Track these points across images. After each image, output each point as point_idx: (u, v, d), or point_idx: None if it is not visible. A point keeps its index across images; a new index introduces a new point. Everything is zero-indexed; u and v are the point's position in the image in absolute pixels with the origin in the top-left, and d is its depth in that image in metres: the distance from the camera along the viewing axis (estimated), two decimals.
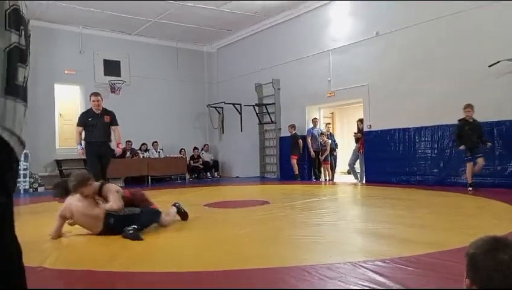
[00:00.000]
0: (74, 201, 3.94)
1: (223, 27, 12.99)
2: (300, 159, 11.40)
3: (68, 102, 13.08)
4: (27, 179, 10.10)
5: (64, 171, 11.88)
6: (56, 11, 11.01)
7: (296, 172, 11.22)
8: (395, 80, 9.30)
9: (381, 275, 2.53)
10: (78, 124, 6.74)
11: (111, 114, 6.79)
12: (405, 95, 9.09)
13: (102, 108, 6.77)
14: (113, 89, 12.86)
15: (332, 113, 14.44)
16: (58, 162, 11.94)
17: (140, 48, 13.49)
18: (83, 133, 6.74)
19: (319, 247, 3.48)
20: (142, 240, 3.72)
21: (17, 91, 1.33)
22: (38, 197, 8.83)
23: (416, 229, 4.08)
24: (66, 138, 13.03)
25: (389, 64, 9.43)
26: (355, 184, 9.77)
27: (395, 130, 9.32)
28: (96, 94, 6.86)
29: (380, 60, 9.64)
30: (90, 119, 6.60)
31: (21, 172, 9.93)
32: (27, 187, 10.07)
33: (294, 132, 11.35)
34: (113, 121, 6.76)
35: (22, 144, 1.36)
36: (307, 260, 3.01)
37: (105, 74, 12.81)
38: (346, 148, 12.32)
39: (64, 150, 12.51)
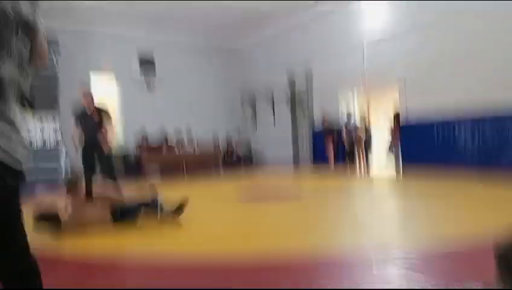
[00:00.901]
0: None
1: (257, 21, 12.97)
2: (335, 152, 11.30)
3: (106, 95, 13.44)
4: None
5: None
6: (91, 3, 11.27)
7: (331, 164, 11.15)
8: (430, 72, 9.04)
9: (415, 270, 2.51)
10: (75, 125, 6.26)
11: (102, 111, 6.22)
12: (441, 87, 8.83)
13: (95, 107, 6.20)
14: (148, 85, 13.17)
15: (368, 103, 14.12)
16: None
17: (173, 45, 13.71)
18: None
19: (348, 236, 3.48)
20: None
21: None
22: None
23: (449, 222, 3.98)
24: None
25: (424, 55, 9.18)
26: (389, 177, 9.61)
27: (432, 118, 9.08)
28: (85, 90, 6.38)
29: (414, 51, 9.39)
30: (81, 118, 6.18)
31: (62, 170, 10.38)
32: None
33: (327, 125, 11.25)
34: (105, 119, 6.22)
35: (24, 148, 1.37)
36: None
37: (140, 71, 13.13)
38: (383, 138, 12.05)
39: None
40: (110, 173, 6.08)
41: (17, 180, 1.37)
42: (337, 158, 11.32)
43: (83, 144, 6.16)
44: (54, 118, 10.81)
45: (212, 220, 4.72)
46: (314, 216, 4.99)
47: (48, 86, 10.62)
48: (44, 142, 10.54)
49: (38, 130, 10.55)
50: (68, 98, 11.29)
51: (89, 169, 5.94)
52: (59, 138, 10.75)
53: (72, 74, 11.66)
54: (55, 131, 10.78)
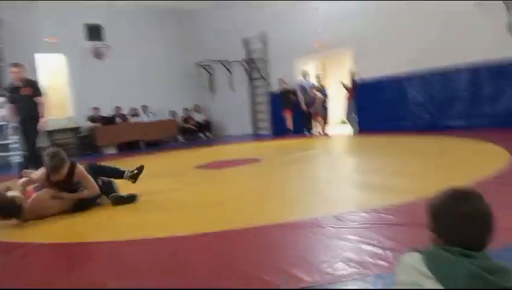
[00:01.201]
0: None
1: None
2: (292, 114, 11.36)
3: (53, 72, 12.77)
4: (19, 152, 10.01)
5: (55, 142, 11.82)
6: None
7: (290, 126, 11.22)
8: (384, 28, 9.12)
9: (364, 227, 2.57)
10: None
11: (33, 85, 6.12)
12: (394, 42, 8.96)
13: (24, 79, 6.08)
14: (97, 55, 12.55)
15: (323, 63, 14.21)
16: (49, 133, 11.82)
17: (123, 10, 13.02)
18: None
19: (306, 201, 3.52)
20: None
21: None
22: None
23: (403, 177, 4.11)
24: (55, 108, 12.87)
25: (376, 12, 9.21)
26: (347, 135, 9.81)
27: (384, 77, 9.24)
28: (15, 65, 6.15)
29: (367, 8, 9.39)
30: (11, 93, 6.07)
31: (10, 146, 9.86)
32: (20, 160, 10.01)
33: (284, 86, 11.25)
34: (36, 92, 6.08)
35: None
36: (294, 215, 3.05)
37: (88, 39, 12.44)
38: (338, 98, 12.22)
39: (53, 120, 12.34)
40: (32, 152, 5.98)
41: None
42: (295, 120, 11.38)
43: (19, 118, 6.12)
44: None
45: (167, 191, 4.62)
46: (269, 179, 5.00)
47: None
48: None
49: None
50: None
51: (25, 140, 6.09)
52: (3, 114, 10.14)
53: (18, 51, 10.89)
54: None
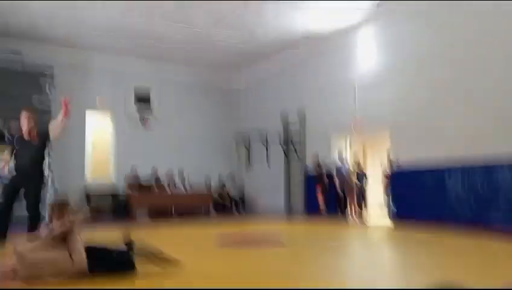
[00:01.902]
0: None
1: (250, 60, 13.17)
2: (327, 196, 11.09)
3: (101, 133, 13.39)
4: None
5: (93, 203, 12.08)
6: (90, 39, 11.46)
7: (322, 208, 10.94)
8: (422, 112, 8.99)
9: None
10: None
11: (42, 132, 5.47)
12: (432, 128, 8.74)
13: (34, 126, 5.43)
14: (143, 122, 13.16)
15: (363, 145, 14.03)
16: (88, 195, 12.14)
17: (170, 83, 13.86)
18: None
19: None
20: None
21: None
22: None
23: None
24: (97, 169, 13.31)
25: (415, 96, 9.18)
26: (383, 223, 9.33)
27: (423, 164, 8.90)
28: (27, 109, 5.58)
29: (406, 92, 9.38)
30: (16, 141, 5.46)
31: (47, 201, 10.13)
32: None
33: (318, 167, 11.14)
34: (44, 141, 5.47)
35: None
36: None
37: (136, 106, 13.13)
38: (376, 183, 11.84)
39: (95, 181, 12.69)
40: (33, 214, 5.21)
41: None
42: (329, 204, 11.07)
43: (14, 172, 5.44)
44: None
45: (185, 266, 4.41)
46: (293, 263, 4.72)
47: (40, 120, 10.55)
48: None
49: None
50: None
51: (7, 204, 5.22)
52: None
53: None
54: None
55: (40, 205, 5.38)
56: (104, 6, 9.40)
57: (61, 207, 3.55)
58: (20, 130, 5.43)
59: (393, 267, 4.75)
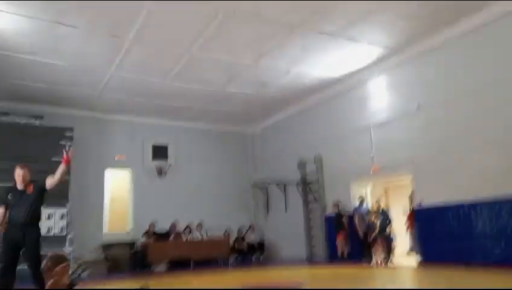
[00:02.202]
0: None
1: (265, 108, 13.30)
2: (349, 240, 10.74)
3: (120, 187, 13.55)
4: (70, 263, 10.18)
5: (110, 254, 11.98)
6: (108, 101, 11.87)
7: (340, 253, 10.61)
8: (442, 152, 8.75)
9: None
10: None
11: (36, 184, 5.37)
12: (454, 168, 8.46)
13: (31, 181, 5.38)
14: (159, 172, 13.25)
15: (386, 189, 13.70)
16: (105, 247, 12.07)
17: (187, 132, 14.05)
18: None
19: None
20: None
21: None
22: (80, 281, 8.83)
23: None
24: (116, 222, 13.34)
25: (434, 136, 8.94)
26: (410, 267, 8.89)
27: (448, 206, 8.54)
28: (21, 166, 5.42)
29: (423, 132, 9.18)
30: (12, 196, 5.29)
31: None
32: (70, 272, 10.13)
33: (338, 211, 10.88)
34: (40, 193, 5.37)
35: None
36: None
37: (153, 158, 13.30)
38: (403, 226, 11.41)
39: (112, 234, 12.70)
40: (35, 272, 4.98)
41: None
42: (350, 246, 10.70)
43: (7, 228, 5.17)
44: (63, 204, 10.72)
45: None
46: None
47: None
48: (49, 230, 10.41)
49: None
50: (79, 189, 11.46)
51: (9, 263, 4.99)
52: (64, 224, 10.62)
53: (88, 166, 11.94)
54: (63, 217, 10.67)
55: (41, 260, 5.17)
56: (119, 68, 9.74)
57: (54, 261, 3.41)
58: (15, 183, 5.34)
59: None
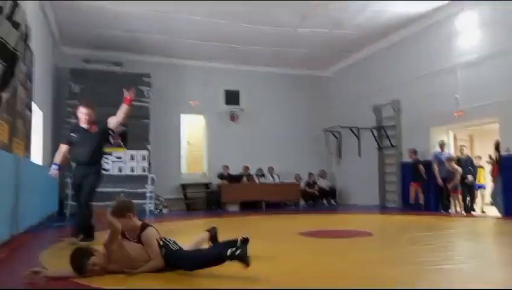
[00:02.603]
0: None
1: (339, 50, 12.68)
2: (426, 188, 10.26)
3: (195, 130, 14.10)
4: (152, 201, 10.99)
5: (188, 194, 12.74)
6: (182, 47, 12.07)
7: (412, 201, 10.31)
8: None
9: None
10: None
11: (100, 125, 5.34)
12: None
13: (93, 121, 5.33)
14: (232, 117, 13.47)
15: (471, 136, 12.70)
16: (183, 186, 12.82)
17: (258, 76, 13.94)
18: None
19: None
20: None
21: None
22: (162, 218, 9.56)
23: None
24: (192, 164, 14.05)
25: None
26: (492, 218, 8.32)
27: None
28: (85, 105, 5.36)
29: None
30: (75, 134, 5.30)
31: (147, 194, 10.85)
32: (152, 208, 10.97)
33: (415, 157, 10.34)
34: (103, 133, 5.34)
35: None
36: None
37: (226, 103, 13.52)
38: (486, 175, 10.59)
39: (189, 175, 13.44)
40: (83, 203, 5.11)
41: None
42: (427, 195, 10.24)
43: (77, 163, 5.30)
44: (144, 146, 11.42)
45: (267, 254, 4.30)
46: (369, 257, 4.38)
47: (141, 126, 11.37)
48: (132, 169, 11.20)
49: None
50: (158, 133, 12.11)
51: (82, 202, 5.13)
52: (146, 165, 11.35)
53: (166, 111, 12.48)
54: (144, 158, 11.38)
55: (93, 197, 5.28)
56: (191, 13, 9.73)
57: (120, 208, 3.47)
58: (78, 121, 5.36)
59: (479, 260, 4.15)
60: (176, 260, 3.29)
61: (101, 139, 5.33)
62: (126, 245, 3.32)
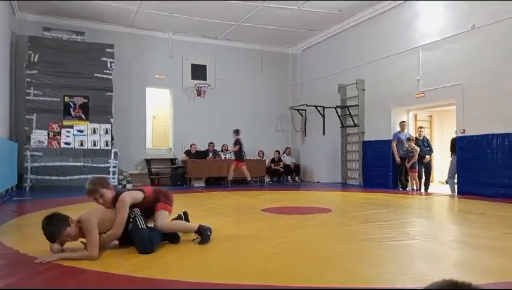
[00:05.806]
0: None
1: (307, 27, 12.70)
2: (385, 166, 10.63)
3: (161, 105, 13.90)
4: (116, 175, 10.84)
5: (152, 169, 12.64)
6: (147, 18, 11.72)
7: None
8: (493, 78, 8.12)
9: None
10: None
11: None
12: (505, 95, 7.88)
13: None
14: (198, 92, 13.34)
15: (431, 116, 13.18)
16: (148, 161, 12.70)
17: (226, 51, 13.79)
18: None
19: (350, 266, 3.04)
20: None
21: None
22: None
23: (482, 252, 3.39)
24: (158, 139, 13.91)
25: (486, 60, 8.26)
26: (442, 196, 8.76)
27: (492, 135, 8.11)
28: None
29: (476, 56, 8.49)
30: None
31: (110, 169, 10.69)
32: (116, 183, 10.83)
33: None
34: None
35: None
36: (326, 281, 2.63)
37: (192, 78, 13.36)
38: (447, 155, 11.05)
39: (154, 150, 13.31)
40: None
41: None
42: (386, 172, 10.61)
43: None
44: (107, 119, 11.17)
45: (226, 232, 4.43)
46: (328, 233, 4.55)
47: (101, 97, 11.05)
48: (94, 143, 10.95)
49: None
50: (121, 106, 11.85)
51: None
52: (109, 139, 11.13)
53: (131, 84, 12.19)
54: (107, 132, 11.13)
55: None
56: None
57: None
58: None
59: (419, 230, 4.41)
60: (135, 239, 3.34)
61: None
62: (107, 212, 3.39)
